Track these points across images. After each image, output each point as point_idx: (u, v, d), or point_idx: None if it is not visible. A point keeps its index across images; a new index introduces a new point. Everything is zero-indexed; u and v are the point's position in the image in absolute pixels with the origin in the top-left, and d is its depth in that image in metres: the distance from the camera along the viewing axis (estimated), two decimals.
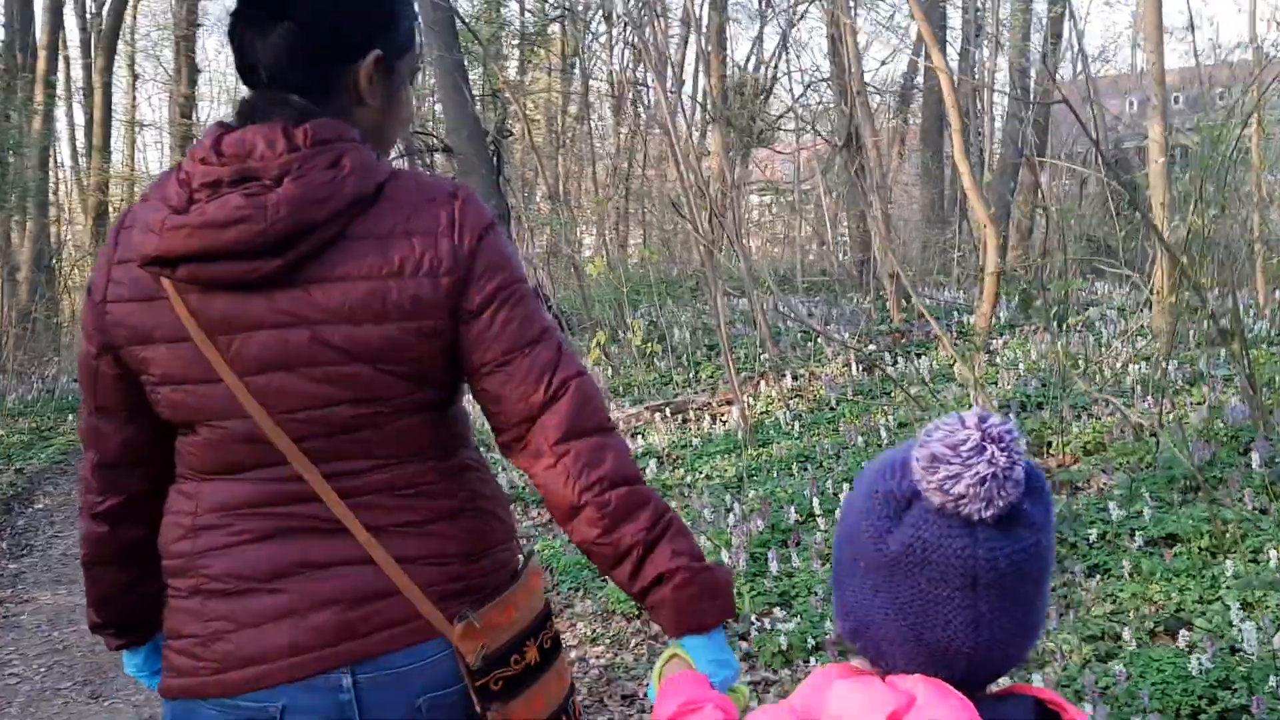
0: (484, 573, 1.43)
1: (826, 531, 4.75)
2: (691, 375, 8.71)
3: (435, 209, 1.37)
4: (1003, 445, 0.96)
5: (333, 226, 1.32)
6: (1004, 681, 1.09)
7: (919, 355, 8.03)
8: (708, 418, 7.51)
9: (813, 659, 3.71)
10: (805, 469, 5.79)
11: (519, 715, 1.41)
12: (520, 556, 1.51)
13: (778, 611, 4.11)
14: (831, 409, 6.99)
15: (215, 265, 1.31)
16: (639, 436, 7.22)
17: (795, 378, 7.77)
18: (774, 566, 4.41)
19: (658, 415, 7.60)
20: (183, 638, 1.40)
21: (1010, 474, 0.96)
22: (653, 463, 6.42)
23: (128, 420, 1.45)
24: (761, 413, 7.41)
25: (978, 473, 0.95)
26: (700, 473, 6.25)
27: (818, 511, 5.00)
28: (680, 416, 7.52)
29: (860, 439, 5.96)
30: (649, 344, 8.79)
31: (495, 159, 11.34)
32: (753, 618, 4.10)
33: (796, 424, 6.71)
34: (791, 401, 7.44)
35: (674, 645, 1.41)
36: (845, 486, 5.19)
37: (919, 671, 0.99)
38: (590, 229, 17.05)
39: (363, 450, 1.38)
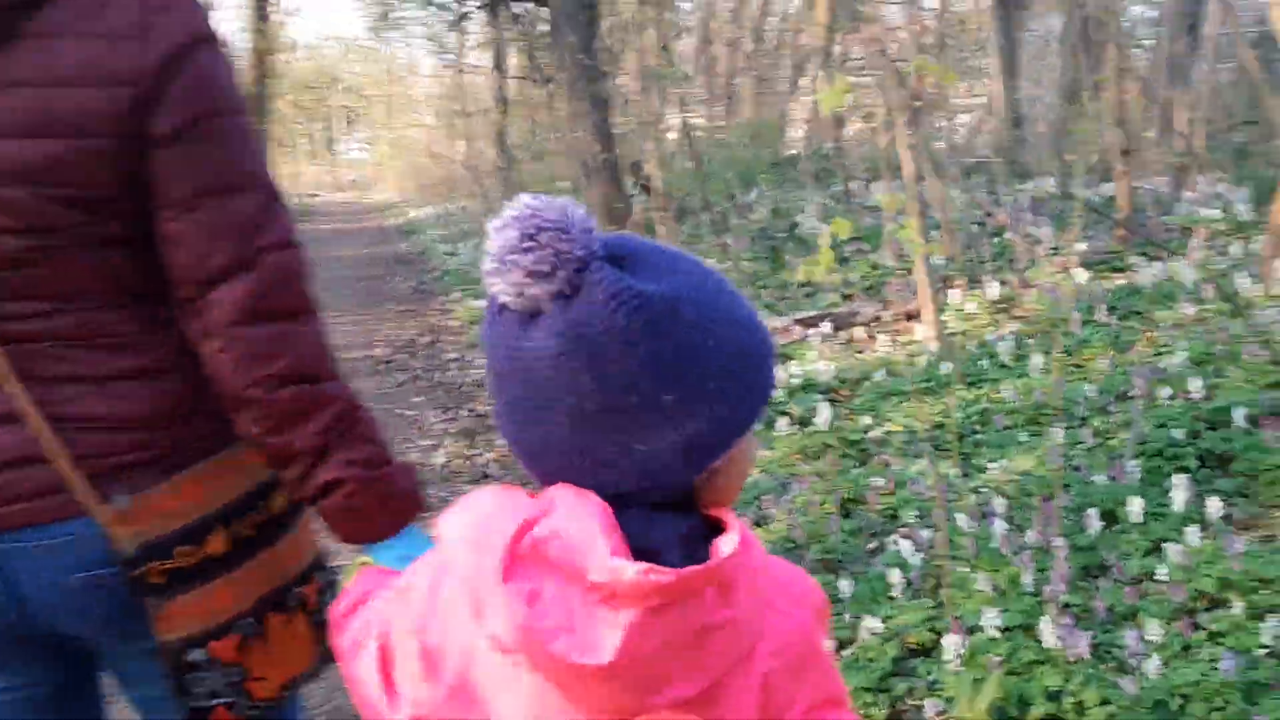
0: (182, 441, 1.25)
1: (1175, 571, 2.86)
2: (845, 277, 6.76)
3: (125, 6, 1.16)
4: (520, 222, 0.82)
5: None
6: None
7: (1155, 259, 6.00)
8: (881, 336, 5.61)
9: None
10: (1073, 429, 3.88)
11: (192, 610, 1.24)
12: None
13: None
14: (1067, 333, 5.05)
15: None
16: (788, 360, 5.35)
17: (1002, 283, 5.81)
18: (1126, 635, 2.48)
19: (812, 331, 5.72)
20: None
21: (518, 260, 0.81)
22: (818, 401, 4.57)
23: None
24: (957, 333, 5.48)
25: (493, 254, 0.85)
26: (889, 419, 4.39)
27: (1133, 514, 3.10)
28: (845, 334, 5.63)
29: (1151, 386, 4.00)
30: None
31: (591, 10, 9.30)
32: None
33: (1027, 354, 4.73)
34: (998, 318, 5.49)
35: (362, 554, 1.25)
36: (1165, 466, 3.30)
37: (551, 482, 0.88)
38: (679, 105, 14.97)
39: (38, 289, 1.19)
